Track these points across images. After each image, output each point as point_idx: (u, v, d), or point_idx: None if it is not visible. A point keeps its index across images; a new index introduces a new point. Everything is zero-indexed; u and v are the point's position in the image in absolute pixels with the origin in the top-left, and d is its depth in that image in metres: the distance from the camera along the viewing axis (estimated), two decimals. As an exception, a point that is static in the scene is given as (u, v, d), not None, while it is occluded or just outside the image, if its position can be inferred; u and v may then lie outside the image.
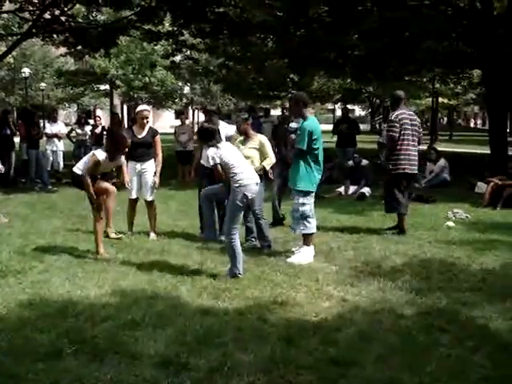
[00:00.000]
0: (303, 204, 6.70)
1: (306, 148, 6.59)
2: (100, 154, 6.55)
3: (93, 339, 4.22)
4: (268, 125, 17.68)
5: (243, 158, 6.26)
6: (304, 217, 6.72)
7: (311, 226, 6.78)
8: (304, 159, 6.65)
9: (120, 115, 29.27)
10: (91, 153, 6.77)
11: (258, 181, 6.20)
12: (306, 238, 6.79)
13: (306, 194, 6.70)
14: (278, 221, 8.61)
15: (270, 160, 7.47)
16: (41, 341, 4.19)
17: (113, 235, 6.79)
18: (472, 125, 76.24)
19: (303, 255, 6.67)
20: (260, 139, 7.46)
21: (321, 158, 6.75)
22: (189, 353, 4.01)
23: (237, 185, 5.93)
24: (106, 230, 6.67)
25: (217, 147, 5.95)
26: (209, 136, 6.04)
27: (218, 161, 5.91)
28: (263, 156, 7.42)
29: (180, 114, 16.75)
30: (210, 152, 5.94)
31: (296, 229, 6.87)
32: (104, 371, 3.73)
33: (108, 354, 3.97)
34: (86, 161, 6.68)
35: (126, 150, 6.77)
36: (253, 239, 7.35)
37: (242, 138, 7.52)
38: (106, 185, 6.74)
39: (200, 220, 7.83)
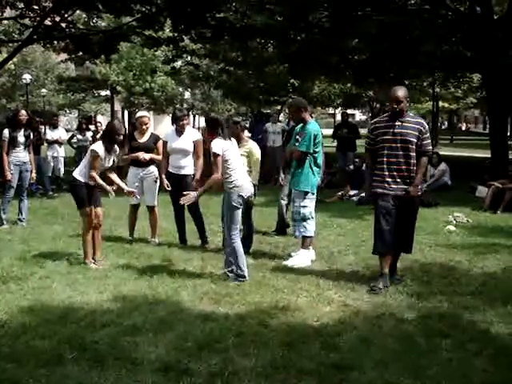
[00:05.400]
0: (304, 206, 6.77)
1: (309, 151, 6.72)
2: (98, 147, 6.46)
3: (93, 345, 4.22)
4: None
5: (241, 162, 6.26)
6: (304, 219, 6.76)
7: (310, 229, 6.83)
8: (305, 161, 6.76)
9: (121, 121, 29.35)
10: (88, 151, 6.63)
11: (251, 180, 6.21)
12: (305, 241, 6.83)
13: (306, 194, 6.76)
14: (282, 228, 8.55)
15: (257, 174, 7.16)
16: (42, 347, 4.19)
17: (92, 266, 6.50)
18: (463, 128, 73.99)
19: (300, 258, 6.71)
20: (251, 147, 7.19)
21: (320, 160, 6.88)
22: (189, 358, 4.01)
23: (231, 186, 5.96)
24: (94, 257, 6.60)
25: (224, 140, 5.95)
26: (216, 125, 6.00)
27: (220, 152, 5.86)
28: (250, 164, 7.08)
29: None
30: (217, 141, 5.91)
31: (296, 231, 6.91)
32: (105, 377, 3.73)
33: (109, 360, 3.96)
34: (86, 162, 6.60)
35: (121, 137, 6.62)
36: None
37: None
38: (100, 214, 6.69)
39: (178, 230, 7.81)
